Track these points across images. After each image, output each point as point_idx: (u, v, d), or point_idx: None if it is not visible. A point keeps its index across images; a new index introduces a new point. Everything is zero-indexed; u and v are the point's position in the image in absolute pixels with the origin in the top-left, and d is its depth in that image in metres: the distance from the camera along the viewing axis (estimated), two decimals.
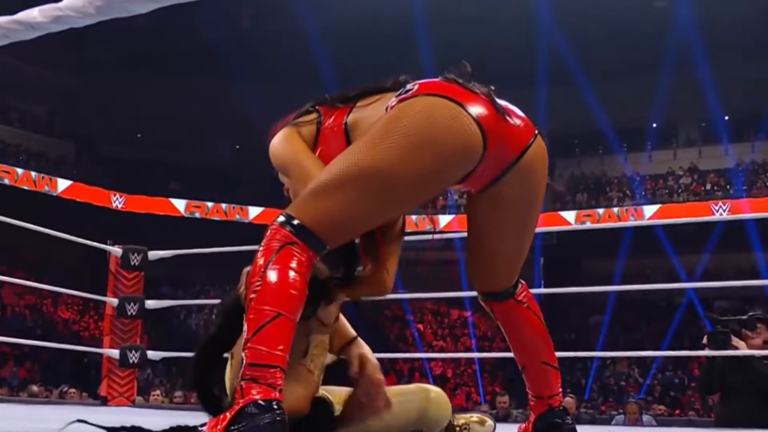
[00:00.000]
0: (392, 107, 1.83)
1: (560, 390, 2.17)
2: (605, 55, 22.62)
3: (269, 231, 1.82)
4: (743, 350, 4.51)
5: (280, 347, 1.69)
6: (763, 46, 22.13)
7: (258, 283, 1.73)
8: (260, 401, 1.64)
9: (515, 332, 2.15)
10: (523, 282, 2.18)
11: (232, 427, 1.63)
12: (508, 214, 1.98)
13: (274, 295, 1.72)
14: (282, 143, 2.11)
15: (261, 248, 1.79)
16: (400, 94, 1.86)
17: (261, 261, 1.77)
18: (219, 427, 1.66)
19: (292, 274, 1.74)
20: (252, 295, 1.73)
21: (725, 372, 4.57)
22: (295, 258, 1.75)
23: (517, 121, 1.89)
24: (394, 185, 1.76)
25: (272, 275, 1.73)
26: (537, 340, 2.14)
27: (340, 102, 2.10)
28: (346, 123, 2.03)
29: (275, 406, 1.64)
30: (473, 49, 23.71)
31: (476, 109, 1.78)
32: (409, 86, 1.87)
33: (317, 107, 2.14)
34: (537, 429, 2.15)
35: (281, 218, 1.81)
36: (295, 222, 1.79)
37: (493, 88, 1.92)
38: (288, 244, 1.76)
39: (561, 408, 2.15)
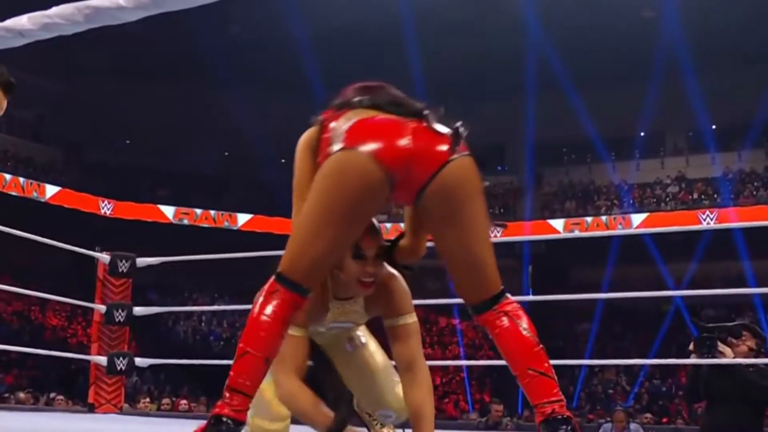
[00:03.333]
0: (321, 161, 2.24)
1: (553, 398, 2.19)
2: (593, 64, 22.70)
3: (268, 286, 2.24)
4: (729, 357, 4.52)
5: (245, 374, 2.14)
6: (749, 56, 22.26)
7: (250, 321, 2.20)
8: (217, 416, 2.12)
9: (498, 342, 2.28)
10: (510, 297, 2.29)
11: None
12: (438, 228, 2.26)
13: (248, 336, 2.18)
14: (296, 153, 2.47)
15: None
16: (332, 145, 2.22)
17: (257, 302, 2.22)
18: None
19: (264, 318, 2.18)
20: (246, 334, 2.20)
21: (711, 379, 4.58)
22: (274, 304, 2.19)
23: (435, 146, 2.17)
24: (330, 227, 2.17)
25: (253, 320, 2.19)
26: (519, 349, 2.24)
27: (336, 108, 2.41)
28: (331, 136, 2.31)
29: (224, 421, 2.11)
30: (462, 58, 23.91)
31: (382, 149, 2.13)
32: (341, 133, 2.21)
33: (322, 115, 2.45)
34: None
35: (275, 276, 2.23)
36: (278, 272, 2.22)
37: (424, 112, 2.26)
38: (271, 293, 2.21)
39: (556, 417, 2.17)
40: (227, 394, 2.14)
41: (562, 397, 2.22)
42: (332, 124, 2.33)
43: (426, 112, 2.26)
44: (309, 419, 2.41)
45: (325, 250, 2.19)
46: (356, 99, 2.39)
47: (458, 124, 2.26)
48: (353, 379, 2.72)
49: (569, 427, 2.15)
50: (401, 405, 2.61)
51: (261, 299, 2.20)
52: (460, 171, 2.19)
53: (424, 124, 2.22)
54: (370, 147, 2.13)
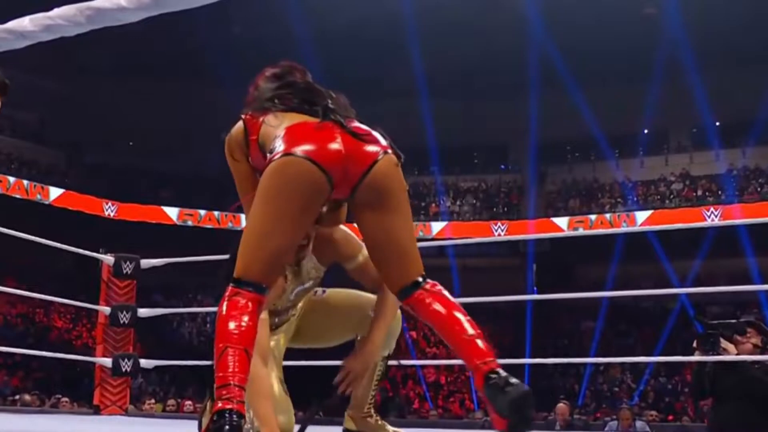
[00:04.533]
0: (266, 164, 2.40)
1: (489, 357, 2.28)
2: (596, 62, 22.67)
3: (228, 291, 2.38)
4: (733, 353, 4.51)
5: (231, 368, 2.25)
6: (753, 53, 22.22)
7: (218, 328, 2.33)
8: (219, 411, 2.20)
9: (430, 320, 2.41)
10: (432, 282, 2.46)
11: None
12: (371, 218, 2.45)
13: (222, 335, 2.31)
14: (227, 156, 2.71)
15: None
16: (271, 151, 2.40)
17: (220, 309, 2.36)
18: None
19: (233, 317, 2.32)
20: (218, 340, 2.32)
21: (716, 377, 4.57)
22: (238, 304, 2.34)
23: (364, 147, 2.40)
24: (281, 226, 2.35)
25: (221, 322, 2.33)
26: (453, 323, 2.37)
27: (255, 111, 2.64)
28: (259, 138, 2.58)
29: (227, 415, 2.20)
30: (464, 57, 23.87)
31: (320, 152, 2.34)
32: (278, 140, 2.39)
33: (244, 117, 2.67)
34: (487, 396, 2.24)
35: (232, 281, 2.39)
36: (235, 278, 2.38)
37: (349, 118, 2.49)
38: (232, 296, 2.36)
39: (493, 369, 2.25)
40: (223, 392, 2.23)
41: (492, 355, 2.30)
42: (261, 128, 2.57)
43: (332, 106, 2.48)
44: (254, 407, 2.54)
45: (279, 247, 2.38)
46: (268, 98, 2.62)
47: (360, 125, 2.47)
48: (337, 313, 2.99)
49: (504, 373, 2.23)
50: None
51: (225, 303, 2.36)
52: (387, 168, 2.42)
53: (347, 128, 2.43)
54: (308, 151, 2.35)
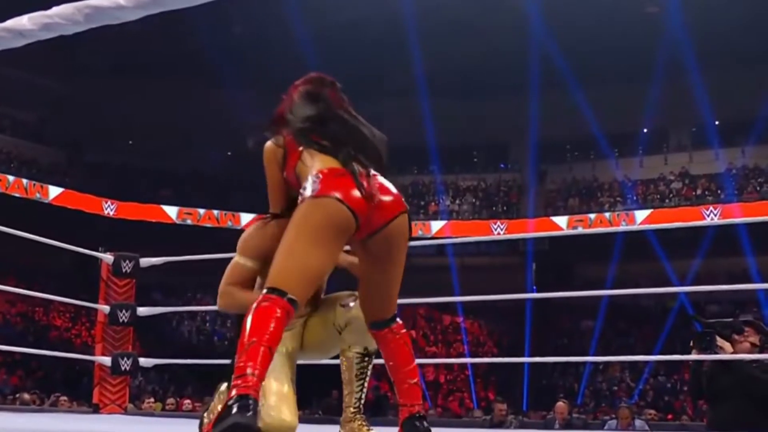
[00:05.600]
0: (303, 200, 2.63)
1: (417, 401, 2.84)
2: (596, 62, 22.67)
3: (259, 298, 2.51)
4: (729, 352, 4.51)
5: (252, 360, 2.35)
6: (753, 52, 22.22)
7: (246, 327, 2.43)
8: (235, 396, 2.26)
9: (389, 356, 2.87)
10: (400, 321, 2.88)
11: (220, 418, 2.28)
12: (374, 262, 2.78)
13: (253, 330, 2.40)
14: (265, 165, 2.97)
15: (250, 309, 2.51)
16: (305, 189, 2.63)
17: (249, 314, 2.46)
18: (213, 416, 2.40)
19: (263, 320, 2.43)
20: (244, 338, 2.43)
21: (714, 376, 4.57)
22: (268, 309, 2.45)
23: (387, 199, 2.70)
24: (313, 254, 2.57)
25: (253, 320, 2.43)
26: (407, 365, 2.87)
27: (294, 137, 2.86)
28: (296, 169, 2.81)
29: (243, 400, 2.26)
30: (464, 56, 23.88)
31: (351, 197, 2.61)
32: (313, 181, 2.62)
33: (285, 137, 2.90)
34: (404, 429, 2.80)
35: (265, 290, 2.54)
36: (271, 286, 2.52)
37: (373, 173, 2.73)
38: (262, 302, 2.47)
39: (420, 414, 2.83)
40: (239, 381, 2.31)
41: (422, 401, 2.89)
42: (298, 164, 2.80)
43: (353, 153, 2.73)
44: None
45: (315, 269, 2.60)
46: (300, 131, 2.83)
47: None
48: (324, 318, 3.02)
49: (425, 421, 2.82)
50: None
51: (254, 307, 2.47)
52: (402, 226, 2.75)
53: (361, 184, 2.67)
54: (342, 196, 2.62)
